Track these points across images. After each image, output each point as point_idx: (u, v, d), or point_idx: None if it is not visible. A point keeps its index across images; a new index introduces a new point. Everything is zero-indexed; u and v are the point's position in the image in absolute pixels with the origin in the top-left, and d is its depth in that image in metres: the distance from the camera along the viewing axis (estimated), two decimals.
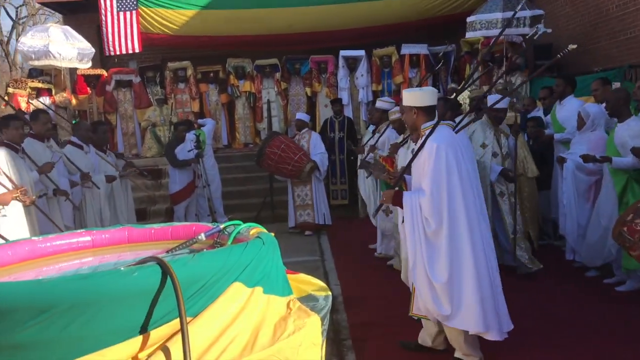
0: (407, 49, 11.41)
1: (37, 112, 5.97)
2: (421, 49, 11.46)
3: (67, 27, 10.77)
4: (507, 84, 8.90)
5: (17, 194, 4.38)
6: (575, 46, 4.14)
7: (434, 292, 3.65)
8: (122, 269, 2.00)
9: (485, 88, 9.76)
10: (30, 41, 9.78)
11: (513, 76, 9.73)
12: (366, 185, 7.15)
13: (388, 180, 5.10)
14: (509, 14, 9.25)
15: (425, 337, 4.07)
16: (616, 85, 6.85)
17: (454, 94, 8.37)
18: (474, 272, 3.58)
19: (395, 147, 5.50)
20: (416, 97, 3.78)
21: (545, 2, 11.19)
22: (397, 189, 3.91)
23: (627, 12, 8.69)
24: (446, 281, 3.58)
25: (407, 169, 3.89)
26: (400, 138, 5.67)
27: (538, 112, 7.73)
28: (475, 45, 10.97)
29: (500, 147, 5.61)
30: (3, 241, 3.82)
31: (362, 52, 11.45)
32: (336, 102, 10.07)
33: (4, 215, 4.10)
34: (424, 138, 3.69)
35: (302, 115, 8.94)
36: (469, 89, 8.85)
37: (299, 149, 8.20)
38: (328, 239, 8.05)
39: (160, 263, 1.99)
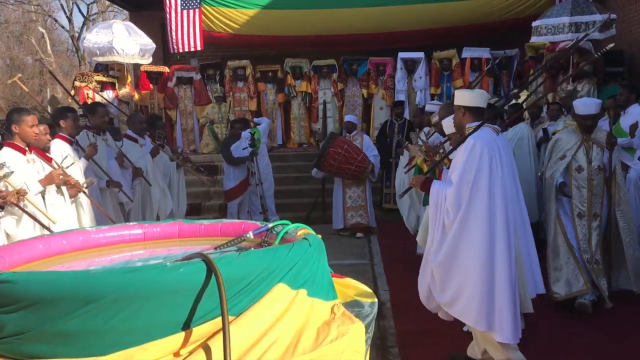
0: (469, 53, 11.16)
1: (95, 105, 6.14)
2: (483, 53, 11.19)
3: (130, 23, 11.10)
4: (572, 92, 8.55)
5: (71, 179, 4.44)
6: (612, 45, 4.28)
7: (432, 276, 3.77)
8: (168, 264, 2.01)
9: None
10: (95, 37, 10.13)
11: (580, 83, 9.34)
12: (401, 177, 6.97)
13: (423, 164, 5.24)
14: (577, 18, 8.89)
15: (475, 350, 3.95)
16: None
17: (514, 99, 8.17)
18: (478, 267, 3.58)
19: (439, 145, 5.52)
20: (466, 97, 3.88)
21: (618, 6, 10.70)
22: (428, 175, 4.01)
23: None
24: (441, 261, 3.67)
25: (444, 158, 4.04)
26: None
27: (604, 122, 7.40)
28: (541, 50, 10.62)
29: (588, 161, 4.94)
30: (47, 232, 3.93)
31: (421, 54, 11.29)
32: (398, 105, 9.96)
33: (52, 204, 4.21)
34: (466, 135, 3.76)
35: (351, 118, 8.93)
36: (530, 95, 8.57)
37: (359, 149, 8.18)
38: (378, 242, 7.96)
39: (206, 260, 1.99)
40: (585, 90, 9.14)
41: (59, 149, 4.78)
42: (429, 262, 3.82)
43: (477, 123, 3.78)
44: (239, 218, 8.69)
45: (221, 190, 9.34)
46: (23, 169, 4.13)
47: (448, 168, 4.03)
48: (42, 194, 4.18)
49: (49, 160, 4.38)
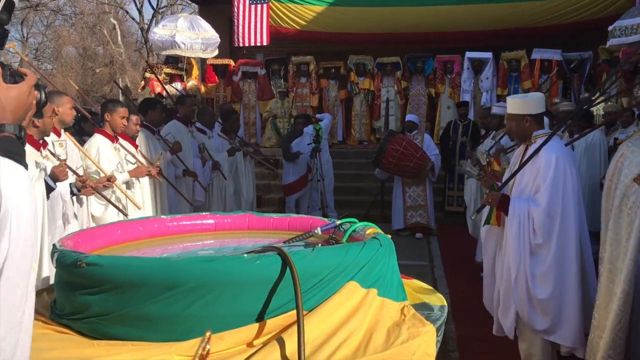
0: (539, 54, 10.85)
1: (185, 96, 6.39)
2: (554, 55, 10.85)
3: (195, 17, 11.31)
4: None
5: (151, 170, 4.68)
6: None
7: (532, 306, 3.57)
8: (245, 255, 2.05)
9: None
10: (160, 31, 10.41)
11: None
12: (471, 189, 6.88)
13: (478, 179, 4.93)
14: None
15: None
16: None
17: (586, 105, 7.87)
18: (577, 290, 3.47)
19: (500, 149, 5.46)
20: (529, 104, 3.66)
21: None
22: (503, 192, 3.77)
23: None
24: (548, 297, 3.49)
25: (513, 176, 3.72)
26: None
27: None
28: (616, 53, 10.18)
29: None
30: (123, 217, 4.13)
31: (489, 55, 11.05)
32: (463, 105, 9.79)
33: (131, 190, 4.45)
34: (537, 146, 3.55)
35: (412, 117, 8.84)
36: (605, 101, 8.24)
37: (418, 147, 8.11)
38: (438, 244, 7.86)
39: (281, 254, 2.02)
40: None
41: (142, 137, 5.00)
42: (525, 291, 3.59)
43: (544, 131, 3.59)
44: (297, 213, 8.78)
45: (281, 184, 9.45)
46: (110, 156, 4.42)
47: (500, 174, 3.86)
48: (129, 183, 4.43)
49: (135, 146, 4.66)
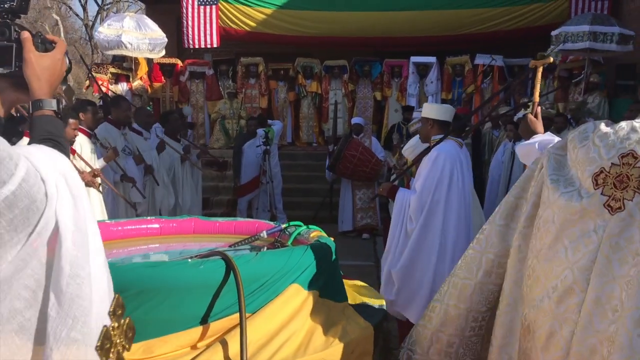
0: (481, 59, 11.21)
1: (119, 99, 6.23)
2: (496, 60, 11.23)
3: (142, 17, 11.14)
4: (582, 104, 8.61)
5: (90, 179, 4.59)
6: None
7: (389, 279, 3.95)
8: (189, 260, 2.10)
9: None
10: (106, 30, 10.19)
11: (591, 95, 9.39)
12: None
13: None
14: (597, 28, 8.90)
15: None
16: None
17: (523, 109, 8.22)
18: (432, 271, 3.80)
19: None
20: (435, 110, 4.10)
21: (634, 19, 10.71)
22: (395, 183, 4.31)
23: None
24: (400, 267, 3.86)
25: (410, 167, 4.41)
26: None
27: None
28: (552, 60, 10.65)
29: None
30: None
31: (433, 59, 11.35)
32: (407, 109, 10.02)
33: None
34: (431, 147, 3.99)
35: (358, 119, 9.02)
36: (541, 107, 8.62)
37: (372, 152, 8.28)
38: (384, 244, 8.02)
39: (226, 259, 2.08)
40: (596, 103, 9.19)
41: (79, 142, 4.87)
42: (387, 268, 3.99)
43: (442, 135, 3.98)
44: (248, 215, 8.80)
45: (230, 185, 9.44)
46: None
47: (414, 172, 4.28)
48: None
49: (72, 152, 4.51)
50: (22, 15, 1.39)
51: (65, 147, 1.32)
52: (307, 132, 12.06)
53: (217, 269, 2.05)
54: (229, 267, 2.05)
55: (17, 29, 1.34)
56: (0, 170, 1.00)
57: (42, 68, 1.34)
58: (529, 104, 7.29)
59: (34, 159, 1.10)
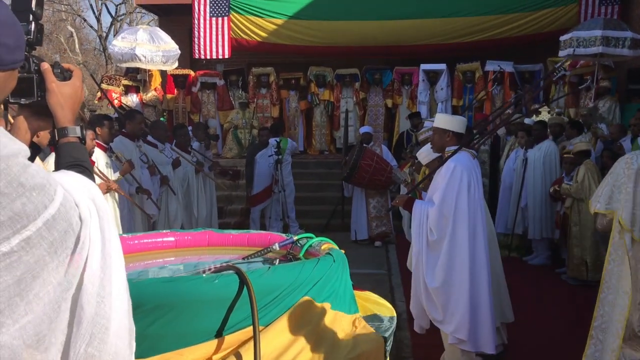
0: (492, 66, 11.22)
1: (134, 112, 6.33)
2: (506, 66, 11.24)
3: (155, 29, 11.30)
4: (593, 109, 8.58)
5: (110, 184, 4.71)
6: (568, 62, 4.39)
7: (428, 295, 4.02)
8: (204, 275, 2.16)
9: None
10: (120, 43, 10.35)
11: (602, 100, 9.36)
12: None
13: (404, 185, 5.99)
14: (609, 32, 8.85)
15: None
16: None
17: (534, 115, 8.23)
18: (468, 284, 3.88)
19: (419, 165, 5.92)
20: (453, 122, 4.16)
21: None
22: (410, 195, 4.41)
23: None
24: (439, 286, 3.92)
25: (423, 180, 4.43)
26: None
27: (626, 141, 7.43)
28: (564, 65, 10.63)
29: None
30: None
31: (443, 66, 11.39)
32: (415, 116, 10.05)
33: None
34: (446, 158, 4.05)
35: (367, 128, 9.10)
36: (551, 112, 8.64)
37: (386, 160, 8.33)
38: (396, 252, 8.05)
39: (239, 273, 2.14)
40: (607, 107, 9.16)
41: (95, 156, 4.98)
42: (421, 283, 4.05)
43: (456, 147, 4.04)
44: (261, 224, 8.87)
45: (242, 194, 9.53)
46: None
47: (425, 191, 4.31)
48: None
49: (91, 163, 4.62)
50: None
51: (90, 171, 1.39)
52: (319, 140, 12.14)
53: (231, 283, 2.10)
54: (243, 281, 2.11)
55: (35, 60, 1.41)
56: (42, 196, 1.06)
57: (64, 97, 1.41)
58: (540, 110, 7.32)
59: (66, 184, 1.17)
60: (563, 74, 9.44)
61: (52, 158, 4.47)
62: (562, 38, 9.52)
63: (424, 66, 11.45)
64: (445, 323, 3.96)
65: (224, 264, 2.47)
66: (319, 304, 2.29)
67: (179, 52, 10.85)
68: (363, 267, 7.02)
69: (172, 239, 3.24)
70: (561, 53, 9.55)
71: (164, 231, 3.32)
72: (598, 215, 3.41)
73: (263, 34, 12.10)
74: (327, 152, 12.04)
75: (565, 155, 6.91)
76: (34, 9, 1.37)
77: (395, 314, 2.65)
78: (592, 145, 7.63)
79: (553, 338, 4.88)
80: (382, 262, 7.57)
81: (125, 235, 3.28)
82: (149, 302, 2.03)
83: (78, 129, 1.42)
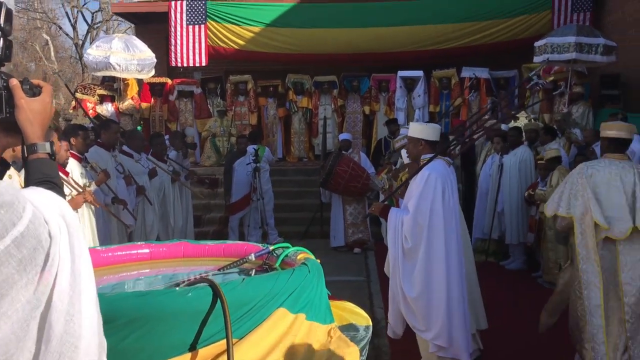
0: (467, 73, 11.36)
1: (109, 121, 6.28)
2: (482, 73, 11.39)
3: (131, 37, 11.21)
4: (567, 115, 8.73)
5: (87, 197, 4.65)
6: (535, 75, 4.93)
7: (407, 304, 4.04)
8: (177, 289, 2.15)
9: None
10: (94, 52, 10.23)
11: (575, 105, 9.52)
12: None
13: (382, 192, 5.98)
14: (582, 39, 9.03)
15: None
16: None
17: (512, 121, 8.33)
18: (445, 292, 3.93)
19: (396, 172, 6.01)
20: (425, 130, 4.19)
21: (615, 31, 10.91)
22: (386, 202, 4.43)
23: None
24: (418, 295, 3.94)
25: (399, 188, 4.50)
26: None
27: (599, 145, 7.55)
28: (538, 72, 10.78)
29: None
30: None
31: (420, 73, 11.50)
32: (392, 123, 10.12)
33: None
34: (421, 166, 4.10)
35: (346, 135, 9.15)
36: (525, 117, 8.76)
37: (362, 167, 8.36)
38: (375, 259, 8.07)
39: (212, 286, 2.13)
40: (580, 113, 9.32)
41: (70, 166, 4.92)
42: (398, 291, 4.09)
43: (431, 155, 4.08)
44: (240, 232, 8.84)
45: (221, 203, 9.49)
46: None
47: (402, 198, 4.37)
48: None
49: (66, 174, 4.57)
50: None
51: (61, 187, 1.37)
52: (298, 147, 12.16)
53: (205, 296, 2.10)
54: (216, 293, 2.10)
55: (3, 76, 1.39)
56: (10, 213, 1.05)
57: (34, 112, 1.39)
58: (519, 115, 7.41)
59: (36, 201, 1.15)
60: (536, 82, 9.58)
61: None
62: (536, 44, 9.68)
63: (401, 73, 11.55)
64: (425, 331, 4.00)
65: (198, 277, 2.46)
66: (293, 315, 2.30)
67: (155, 60, 10.78)
68: (342, 275, 7.03)
69: (146, 250, 3.21)
70: (536, 59, 9.71)
71: (139, 243, 3.29)
72: (558, 218, 3.93)
73: (240, 42, 12.10)
74: (305, 159, 12.06)
75: (539, 162, 7.02)
76: (2, 25, 1.35)
77: (371, 323, 2.66)
78: (565, 150, 7.76)
79: (529, 343, 4.94)
80: (361, 269, 7.59)
81: (98, 247, 3.25)
82: (122, 317, 2.01)
83: (48, 145, 1.41)
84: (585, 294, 3.75)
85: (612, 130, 3.95)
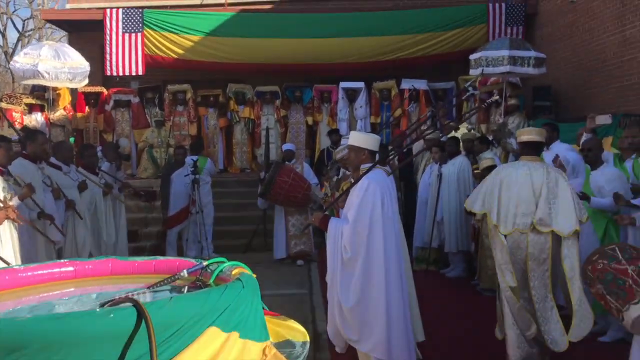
0: (407, 84, 11.52)
1: (35, 133, 5.95)
2: (421, 84, 11.58)
3: (63, 45, 10.76)
4: (503, 125, 8.97)
5: (10, 213, 4.37)
6: (496, 97, 5.51)
7: (342, 315, 4.00)
8: (97, 310, 2.00)
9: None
10: (22, 59, 9.67)
11: (511, 116, 9.79)
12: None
13: (322, 202, 5.97)
14: (515, 52, 9.35)
15: None
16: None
17: (453, 131, 8.46)
18: (384, 302, 3.89)
19: (338, 182, 5.96)
20: (369, 140, 4.20)
21: (546, 44, 11.36)
22: (326, 212, 4.39)
23: (623, 60, 8.83)
24: (354, 305, 3.91)
25: (340, 197, 4.47)
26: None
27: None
28: (473, 84, 11.06)
29: None
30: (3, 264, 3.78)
31: (361, 84, 11.59)
32: (333, 133, 10.13)
33: None
34: (360, 176, 4.08)
35: (289, 146, 9.07)
36: (466, 128, 8.95)
37: (304, 178, 8.28)
38: (319, 270, 8.00)
39: (137, 305, 1.99)
40: (516, 123, 9.58)
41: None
42: (335, 302, 4.05)
43: (371, 164, 4.09)
44: (178, 246, 8.57)
45: (159, 216, 9.20)
46: None
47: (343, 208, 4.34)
48: None
49: None
50: None
51: None
52: (240, 158, 11.99)
53: (128, 318, 1.95)
54: (141, 314, 1.96)
55: None
56: None
57: None
58: (452, 125, 7.50)
59: None
60: (472, 93, 9.84)
61: None
62: (471, 57, 9.93)
63: (343, 84, 11.61)
64: (361, 342, 3.94)
65: (124, 296, 2.30)
66: (226, 334, 2.18)
67: (88, 69, 10.36)
68: (284, 288, 6.92)
69: (71, 268, 3.01)
70: (471, 72, 9.95)
71: (62, 260, 3.08)
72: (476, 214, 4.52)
73: (179, 51, 11.86)
74: (248, 170, 11.89)
75: (475, 171, 7.15)
76: None
77: (308, 339, 2.57)
78: (502, 159, 7.95)
79: (466, 351, 4.97)
80: (304, 281, 7.49)
81: (17, 267, 3.03)
82: (34, 343, 1.84)
83: None
84: (500, 280, 4.24)
85: (525, 135, 4.48)
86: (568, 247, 4.09)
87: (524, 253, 4.21)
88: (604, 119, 6.18)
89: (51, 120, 10.47)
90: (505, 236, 4.22)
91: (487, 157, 6.97)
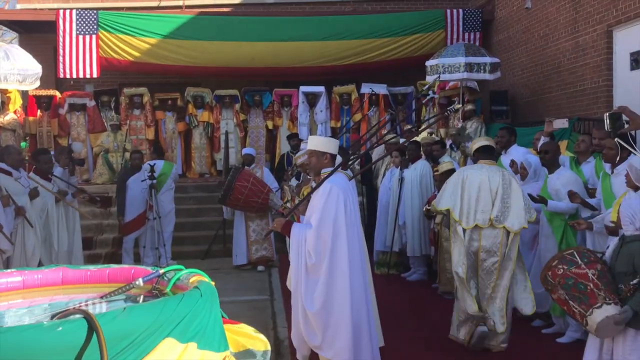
0: (366, 88, 11.57)
1: None
2: (380, 89, 11.64)
3: (13, 46, 10.39)
4: (462, 129, 9.09)
5: None
6: (460, 106, 5.84)
7: (307, 321, 3.96)
8: (45, 323, 1.89)
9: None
10: None
11: (470, 121, 9.94)
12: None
13: (280, 210, 5.91)
14: (471, 59, 9.56)
15: None
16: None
17: (415, 137, 8.52)
18: (349, 307, 3.86)
19: (299, 188, 5.98)
20: (330, 144, 4.20)
21: (502, 50, 11.59)
22: (288, 218, 4.34)
23: (576, 65, 9.07)
24: (318, 310, 3.87)
25: (302, 202, 4.46)
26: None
27: None
28: (432, 88, 11.19)
29: None
30: None
31: (321, 89, 11.57)
32: (293, 137, 10.08)
33: None
34: (322, 180, 4.05)
35: (249, 150, 8.96)
36: (427, 132, 9.03)
37: (264, 182, 8.17)
38: (280, 276, 7.92)
39: (87, 317, 1.89)
40: (474, 128, 9.73)
41: None
42: (299, 309, 3.99)
43: (332, 168, 4.06)
44: (135, 254, 8.34)
45: (115, 223, 8.96)
46: None
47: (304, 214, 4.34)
48: None
49: None
50: None
51: None
52: (199, 162, 11.80)
53: (78, 330, 1.86)
54: (92, 326, 1.86)
55: None
56: None
57: None
58: (414, 130, 7.55)
59: None
60: (432, 96, 9.97)
61: None
62: (428, 63, 10.07)
63: (303, 88, 11.56)
64: (324, 348, 3.89)
65: (73, 308, 2.19)
66: (183, 345, 2.10)
67: (40, 71, 10.02)
68: (245, 294, 6.82)
69: (19, 278, 2.87)
70: (428, 78, 10.08)
71: (9, 270, 2.94)
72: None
73: (135, 53, 11.59)
74: (207, 175, 11.71)
75: (435, 174, 7.20)
76: None
77: (269, 347, 2.50)
78: (460, 163, 8.04)
79: (427, 354, 4.98)
80: (265, 287, 7.39)
81: None
82: None
83: None
84: (454, 267, 4.83)
85: (481, 141, 5.19)
86: (511, 241, 4.79)
87: (478, 245, 4.84)
88: (561, 123, 6.34)
89: (1, 124, 10.06)
90: (464, 231, 4.79)
91: (446, 161, 7.03)
